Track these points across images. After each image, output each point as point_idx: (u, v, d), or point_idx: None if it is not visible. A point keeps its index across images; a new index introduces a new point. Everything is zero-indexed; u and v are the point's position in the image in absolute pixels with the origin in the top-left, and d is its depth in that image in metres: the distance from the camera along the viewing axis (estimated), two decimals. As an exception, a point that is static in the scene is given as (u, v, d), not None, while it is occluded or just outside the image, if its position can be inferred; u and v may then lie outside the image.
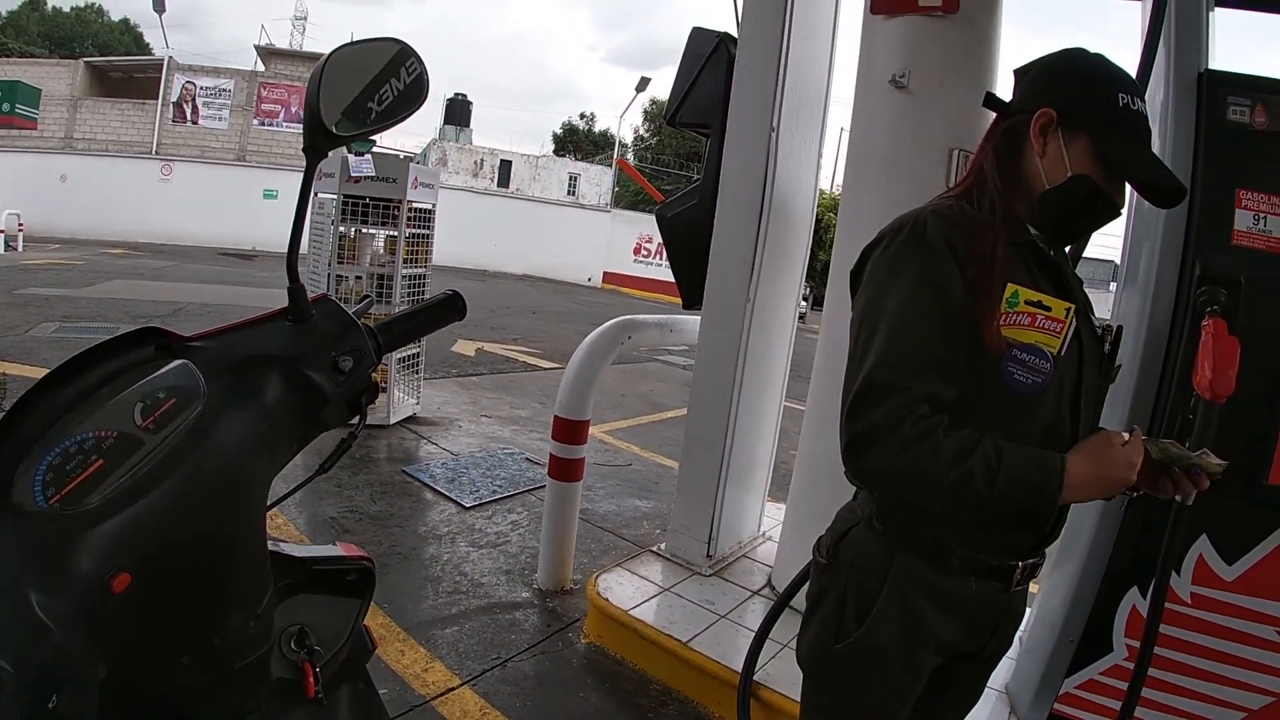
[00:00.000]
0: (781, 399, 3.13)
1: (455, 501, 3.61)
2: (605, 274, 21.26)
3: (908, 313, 0.94)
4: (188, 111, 19.68)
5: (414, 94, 0.83)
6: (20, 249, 12.98)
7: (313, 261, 4.63)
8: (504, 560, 3.04)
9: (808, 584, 1.19)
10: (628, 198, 26.78)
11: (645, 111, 34.51)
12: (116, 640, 0.61)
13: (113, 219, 17.23)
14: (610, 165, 25.87)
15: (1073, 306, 0.97)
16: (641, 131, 35.58)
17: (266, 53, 21.92)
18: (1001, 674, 2.17)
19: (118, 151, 18.74)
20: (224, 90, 19.84)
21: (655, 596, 2.57)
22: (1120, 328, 1.12)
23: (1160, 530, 1.56)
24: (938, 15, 2.14)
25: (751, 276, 2.62)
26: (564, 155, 31.68)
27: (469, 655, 2.35)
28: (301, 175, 0.78)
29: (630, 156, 30.32)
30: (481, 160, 25.36)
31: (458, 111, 28.14)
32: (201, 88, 19.74)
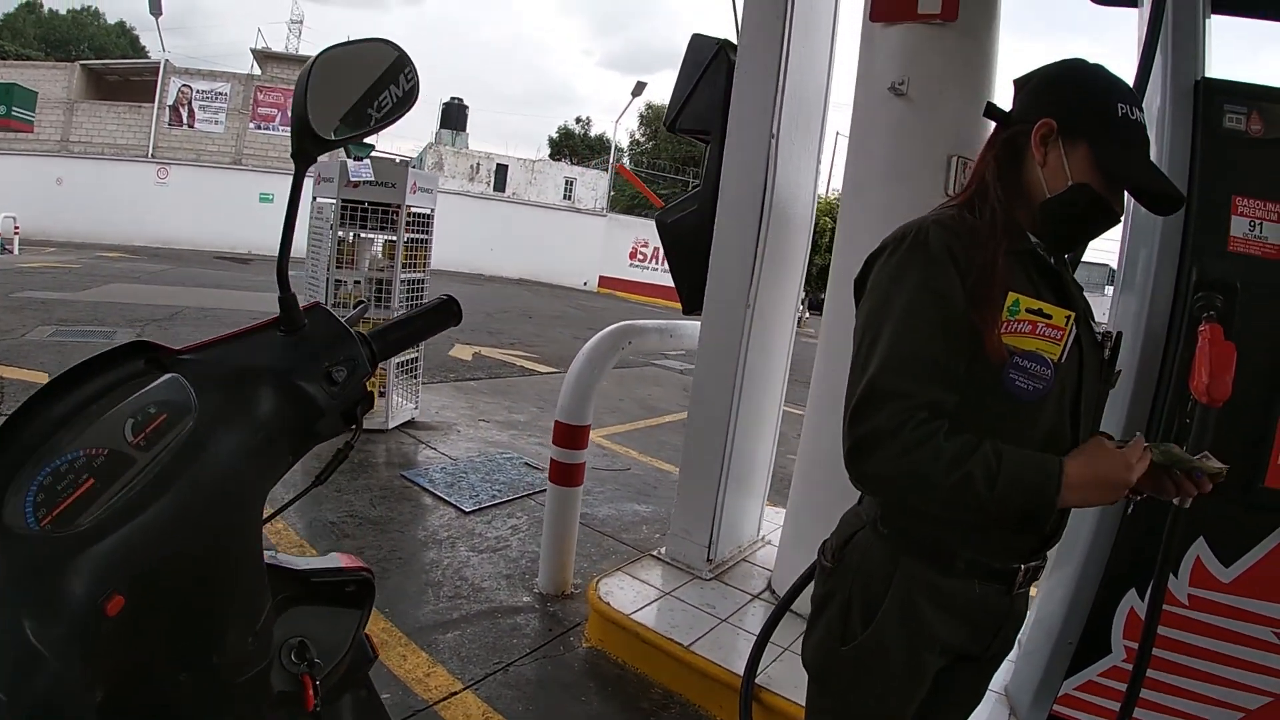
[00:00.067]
0: (781, 403, 3.15)
1: (455, 506, 3.61)
2: (601, 278, 21.27)
3: (910, 320, 0.95)
4: (184, 115, 19.66)
5: (410, 99, 0.82)
6: (16, 252, 12.94)
7: (311, 266, 4.63)
8: (504, 565, 3.04)
9: (812, 587, 1.20)
10: (623, 202, 26.82)
11: (641, 116, 34.63)
12: (112, 663, 0.60)
13: (109, 222, 17.19)
14: (606, 170, 25.91)
15: (1073, 314, 0.98)
16: (637, 136, 35.69)
17: (263, 56, 21.89)
18: (1001, 676, 2.18)
19: (114, 155, 18.70)
20: (220, 94, 19.83)
21: (656, 600, 2.58)
22: (1120, 334, 1.14)
23: (1158, 533, 1.58)
24: (937, 23, 2.16)
25: (751, 282, 2.64)
26: (560, 159, 31.75)
27: (471, 660, 2.35)
28: (292, 179, 0.77)
29: (626, 161, 30.36)
30: (477, 164, 25.37)
31: (454, 115, 28.16)
32: (198, 91, 19.72)
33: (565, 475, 2.73)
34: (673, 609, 2.54)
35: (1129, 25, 2.20)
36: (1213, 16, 1.85)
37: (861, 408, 0.94)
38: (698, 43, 2.76)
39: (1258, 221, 1.66)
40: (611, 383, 6.99)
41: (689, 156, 29.16)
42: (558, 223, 21.76)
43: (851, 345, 1.04)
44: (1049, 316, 0.97)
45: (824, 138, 2.97)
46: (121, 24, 40.28)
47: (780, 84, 2.55)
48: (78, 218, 16.94)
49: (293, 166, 0.75)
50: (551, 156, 33.26)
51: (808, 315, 12.97)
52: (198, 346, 0.73)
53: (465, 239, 18.13)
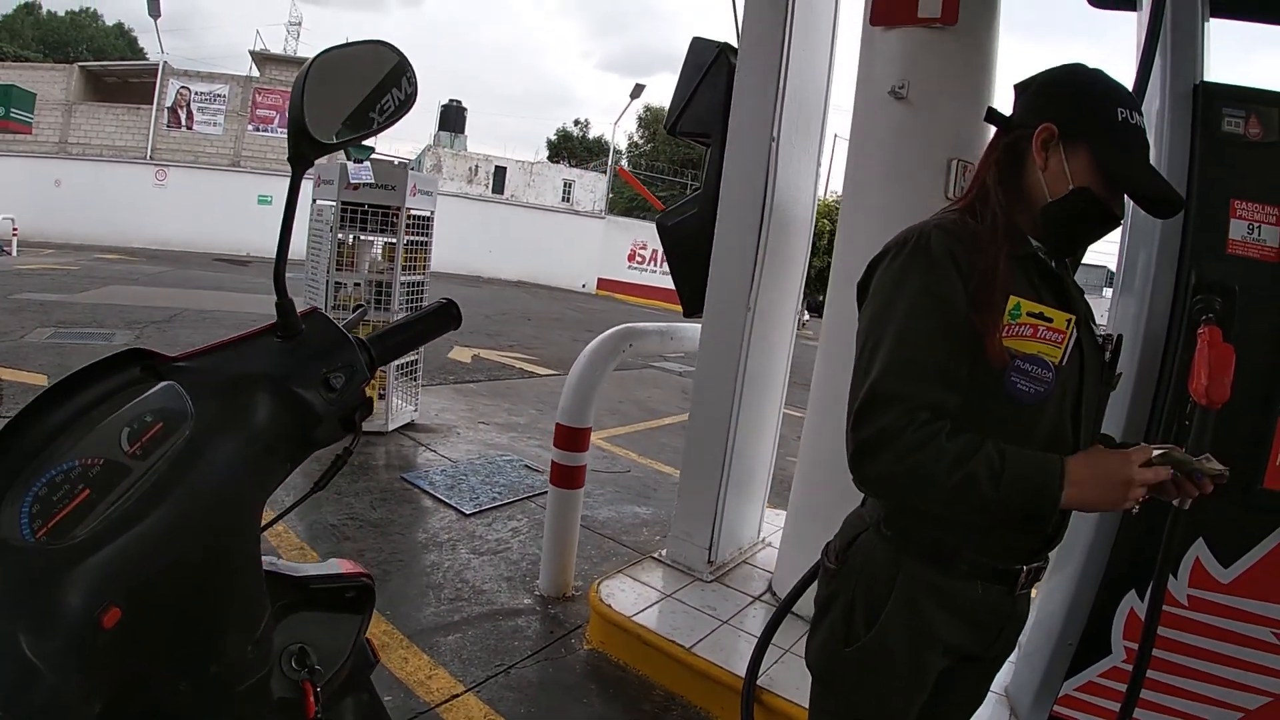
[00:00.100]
0: (781, 405, 3.15)
1: (455, 508, 3.61)
2: (600, 280, 21.28)
3: (912, 324, 0.96)
4: (182, 117, 19.66)
5: (409, 103, 0.82)
6: (14, 253, 12.94)
7: (311, 268, 4.64)
8: (505, 567, 3.04)
9: (815, 589, 1.20)
10: (622, 204, 26.84)
11: (639, 118, 34.67)
12: (110, 675, 0.60)
13: (107, 224, 17.19)
14: (605, 172, 25.93)
15: (1073, 317, 0.99)
16: (636, 138, 35.73)
17: (261, 58, 21.89)
18: (1001, 677, 2.19)
19: (112, 156, 18.70)
20: (219, 96, 19.83)
21: (657, 603, 2.58)
22: (1120, 337, 1.14)
23: (1158, 534, 1.59)
24: (936, 27, 2.17)
25: (752, 285, 2.65)
26: (558, 162, 31.77)
27: (472, 662, 2.35)
28: (289, 183, 0.75)
29: (624, 162, 30.40)
30: (476, 166, 25.39)
31: (452, 118, 28.17)
32: (196, 93, 19.73)
33: (566, 477, 2.73)
34: (674, 611, 2.54)
35: (1127, 27, 2.22)
36: (1211, 20, 1.87)
37: (865, 411, 0.95)
38: (698, 46, 2.78)
39: (1256, 224, 1.67)
40: (611, 385, 6.99)
41: (687, 158, 29.20)
42: (556, 225, 21.78)
43: (850, 346, 1.04)
44: (1050, 320, 0.98)
45: (824, 141, 2.98)
46: (120, 25, 40.30)
47: (781, 87, 2.56)
48: (76, 219, 16.93)
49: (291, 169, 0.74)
50: (550, 159, 33.28)
51: (808, 318, 12.98)
52: (194, 354, 0.72)
53: (464, 241, 18.16)
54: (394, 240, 4.54)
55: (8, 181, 16.12)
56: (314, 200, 4.62)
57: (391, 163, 6.45)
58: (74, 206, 17.05)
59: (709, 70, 2.72)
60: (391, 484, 3.86)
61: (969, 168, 2.19)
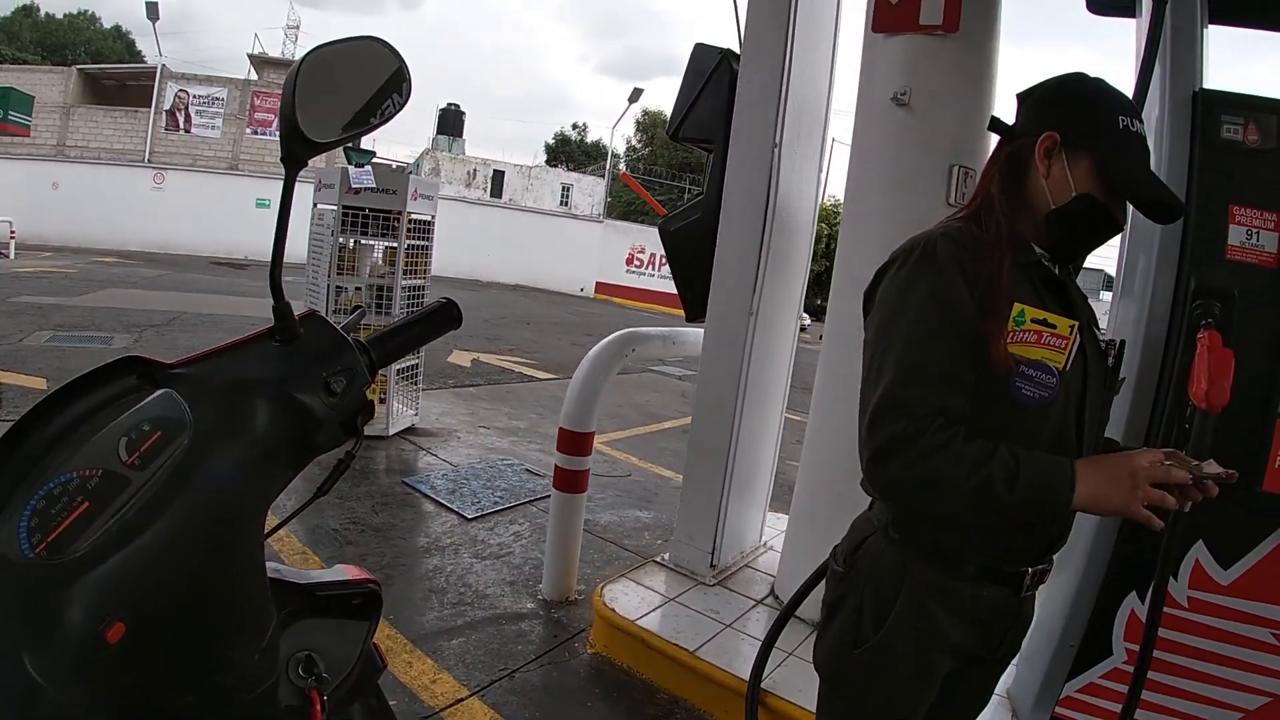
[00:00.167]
0: (783, 410, 3.17)
1: (457, 513, 3.61)
2: (598, 284, 21.33)
3: (921, 330, 0.98)
4: (180, 120, 19.68)
5: (404, 103, 0.81)
6: (12, 256, 12.92)
7: (312, 272, 4.65)
8: (507, 571, 3.05)
9: (822, 592, 1.22)
10: (620, 208, 26.90)
11: (638, 122, 34.79)
12: (115, 689, 0.59)
13: (105, 227, 17.18)
14: (603, 176, 25.98)
15: (1077, 324, 1.01)
16: (634, 142, 35.81)
17: (260, 61, 21.92)
18: (1003, 679, 2.20)
19: (110, 159, 18.71)
20: (217, 99, 19.86)
21: (661, 606, 2.59)
22: (1123, 342, 1.16)
23: (1158, 536, 1.60)
24: (938, 34, 2.20)
25: (755, 290, 2.66)
26: (557, 165, 31.81)
27: (476, 666, 2.36)
28: (282, 184, 0.74)
29: (622, 166, 30.45)
30: (474, 170, 25.41)
31: (450, 121, 28.19)
32: (194, 96, 19.75)
33: (570, 482, 2.74)
34: (677, 614, 2.55)
35: (1126, 33, 2.24)
36: (1210, 26, 1.89)
37: (879, 417, 0.97)
38: (700, 52, 2.80)
39: (1255, 230, 1.69)
40: (610, 389, 6.97)
41: (685, 162, 29.28)
42: (555, 229, 21.83)
43: (852, 351, 1.06)
44: (1054, 326, 1.00)
45: (825, 146, 3.00)
46: (118, 28, 40.32)
47: (783, 94, 2.58)
48: (74, 222, 16.93)
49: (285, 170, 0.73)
50: (548, 162, 33.32)
51: (809, 323, 13.05)
52: (191, 360, 0.71)
53: (462, 245, 18.17)
54: (395, 244, 4.55)
55: (6, 184, 16.13)
56: (315, 204, 4.63)
57: (390, 166, 6.46)
58: (72, 209, 17.04)
59: (711, 76, 2.74)
60: (393, 488, 3.86)
61: (970, 174, 2.21)
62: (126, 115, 19.42)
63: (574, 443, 2.72)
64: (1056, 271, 1.09)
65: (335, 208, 4.38)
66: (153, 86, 19.38)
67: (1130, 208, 1.09)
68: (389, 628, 2.49)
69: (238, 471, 0.67)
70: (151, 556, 0.60)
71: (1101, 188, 1.02)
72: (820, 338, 2.82)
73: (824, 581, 1.24)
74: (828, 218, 12.70)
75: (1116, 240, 2.11)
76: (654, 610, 2.56)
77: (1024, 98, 1.13)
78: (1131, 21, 2.18)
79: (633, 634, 2.43)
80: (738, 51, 2.75)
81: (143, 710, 0.63)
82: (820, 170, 3.01)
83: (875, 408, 0.97)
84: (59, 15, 37.94)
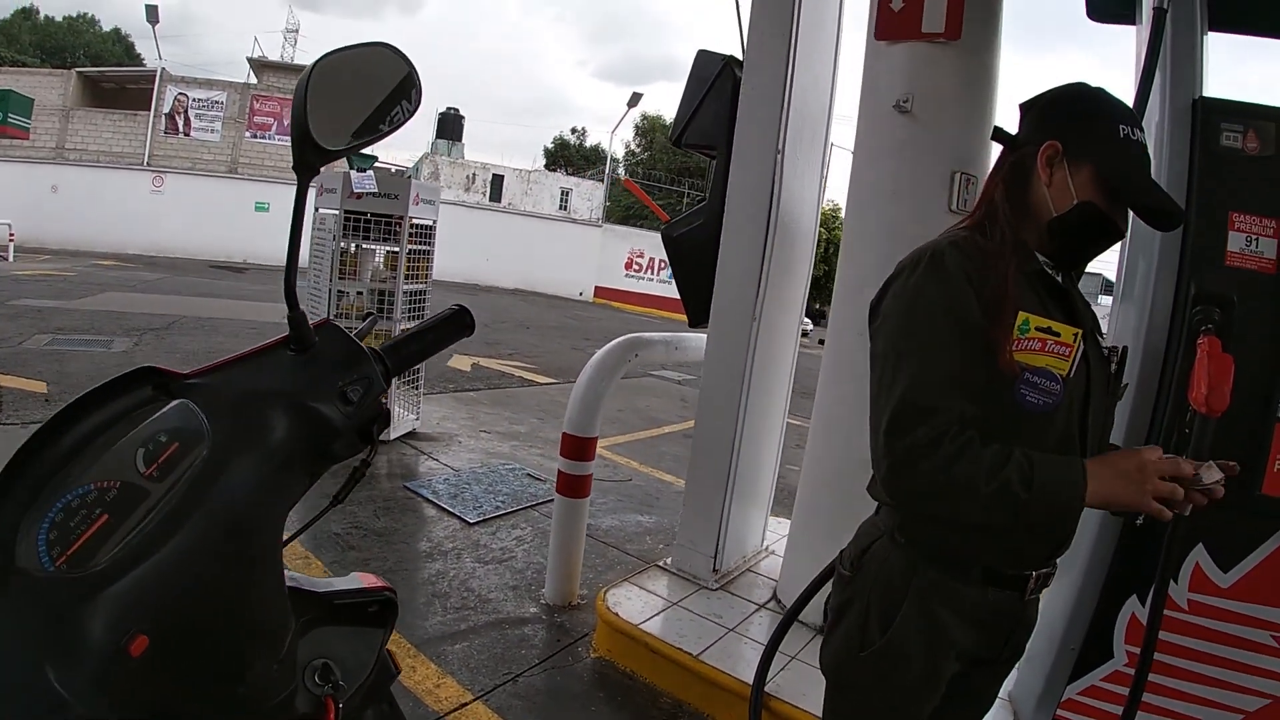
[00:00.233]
0: (785, 414, 3.18)
1: (459, 517, 3.62)
2: (597, 288, 21.37)
3: (932, 339, 1.00)
4: (180, 123, 19.70)
5: (415, 109, 0.80)
6: (11, 259, 12.92)
7: (313, 277, 4.65)
8: (510, 576, 3.05)
9: (829, 596, 1.23)
10: (619, 212, 26.93)
11: (636, 126, 34.86)
12: (138, 702, 0.59)
13: (104, 230, 17.19)
14: (602, 180, 26.03)
15: (1080, 331, 1.03)
16: (633, 146, 35.87)
17: (259, 65, 21.95)
18: (1005, 682, 2.21)
19: (109, 162, 18.72)
20: (216, 102, 19.88)
21: (664, 611, 2.60)
22: (1125, 349, 1.18)
23: (1158, 540, 1.62)
24: (940, 42, 2.22)
25: (758, 295, 2.68)
26: (555, 170, 31.84)
27: (480, 671, 2.36)
28: (295, 192, 0.72)
29: (621, 170, 30.51)
30: (473, 175, 25.43)
31: (450, 125, 28.21)
32: (194, 99, 19.77)
33: (573, 487, 2.75)
34: (680, 619, 2.56)
35: (1126, 40, 2.26)
36: (1209, 34, 1.91)
37: (896, 425, 0.98)
38: (703, 59, 2.81)
39: (1254, 237, 1.71)
40: (611, 393, 7.02)
41: (684, 167, 29.34)
42: (554, 233, 21.87)
43: (854, 356, 1.07)
44: (1058, 334, 1.02)
45: (827, 152, 3.02)
46: (117, 31, 40.35)
47: (786, 101, 2.60)
48: (73, 225, 16.94)
49: (290, 175, 0.72)
50: (547, 167, 33.35)
51: (812, 328, 13.05)
52: (206, 370, 0.70)
53: (461, 249, 18.18)
54: (396, 249, 4.56)
55: (5, 186, 16.15)
56: (317, 209, 4.64)
57: (389, 170, 6.47)
58: (71, 212, 17.07)
59: (714, 83, 2.76)
60: (395, 493, 3.86)
61: (972, 180, 2.23)
62: (126, 118, 19.43)
63: (577, 448, 2.73)
64: (1059, 279, 1.11)
65: (337, 212, 4.39)
66: (152, 89, 19.41)
67: (1131, 214, 1.11)
68: (392, 632, 2.49)
69: (256, 481, 0.67)
70: (173, 568, 0.60)
71: (1102, 195, 1.04)
72: (820, 342, 2.83)
73: (830, 585, 1.25)
74: (825, 222, 12.73)
75: (1116, 246, 2.15)
76: (657, 614, 2.56)
77: (1027, 108, 1.15)
78: (1132, 28, 2.20)
79: (636, 638, 2.44)
80: (740, 58, 2.77)
81: None
82: (821, 175, 3.03)
83: (892, 417, 0.98)
84: (58, 18, 38.06)
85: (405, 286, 4.57)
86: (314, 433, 0.73)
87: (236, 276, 14.82)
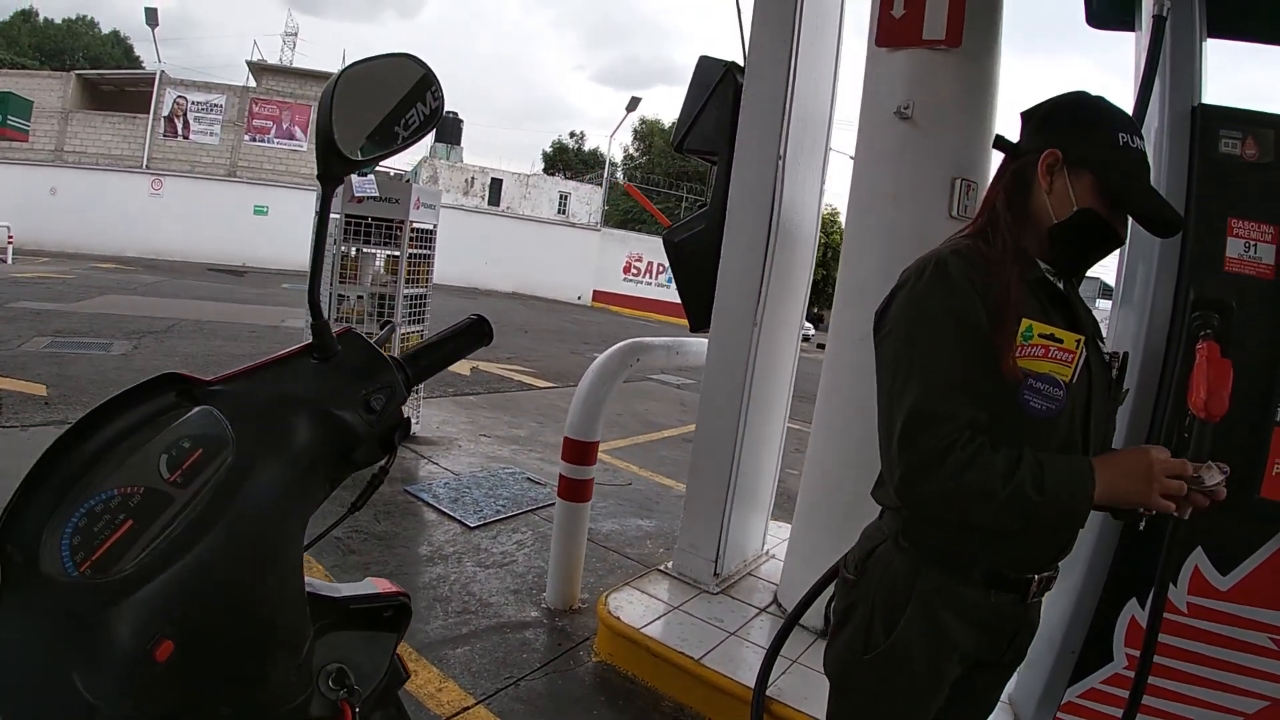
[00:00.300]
0: (785, 419, 3.19)
1: (459, 521, 3.62)
2: (595, 292, 21.39)
3: (939, 346, 1.01)
4: (179, 126, 19.70)
5: (436, 116, 0.81)
6: (10, 261, 12.90)
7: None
8: (511, 580, 3.06)
9: (834, 599, 1.24)
10: (617, 217, 26.96)
11: (635, 130, 34.92)
12: (162, 706, 0.60)
13: (102, 233, 17.18)
14: (600, 184, 26.06)
15: (1082, 338, 1.04)
16: (631, 150, 35.93)
17: (258, 68, 21.95)
18: (1006, 685, 2.22)
19: (108, 165, 18.71)
20: (215, 105, 19.89)
21: (665, 615, 2.60)
22: (1126, 354, 1.19)
23: (1158, 543, 1.63)
24: (941, 48, 2.23)
25: (759, 300, 2.69)
26: (554, 174, 31.88)
27: (481, 674, 2.36)
28: (319, 202, 0.75)
29: (620, 175, 30.55)
30: (472, 178, 25.44)
31: (449, 129, 28.19)
32: (193, 102, 19.78)
33: (574, 491, 2.76)
34: (681, 623, 2.56)
35: (1126, 46, 2.28)
36: (1208, 40, 1.93)
37: (907, 434, 0.99)
38: (705, 65, 2.83)
39: (1252, 243, 1.73)
40: (611, 397, 7.03)
41: (683, 171, 29.39)
42: (552, 237, 21.90)
43: (855, 360, 1.08)
44: (1060, 341, 1.03)
45: (828, 158, 3.04)
46: (116, 33, 40.38)
47: (787, 107, 2.61)
48: (72, 228, 16.93)
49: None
50: (546, 171, 33.40)
51: (814, 332, 13.07)
52: (229, 376, 0.71)
53: (460, 253, 18.20)
54: (397, 253, 4.57)
55: (3, 189, 16.14)
56: (316, 213, 4.64)
57: (388, 175, 6.47)
58: (70, 215, 17.06)
59: (716, 89, 2.77)
60: (395, 497, 3.86)
61: (972, 186, 2.24)
62: (125, 121, 19.44)
63: (579, 452, 2.74)
64: (1061, 285, 1.12)
65: (338, 216, 4.41)
66: (151, 92, 19.42)
67: (1130, 221, 1.12)
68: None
69: (280, 488, 0.68)
70: (198, 574, 0.60)
71: (1102, 202, 1.06)
72: (820, 346, 2.84)
73: (834, 589, 1.26)
74: (823, 227, 12.77)
75: (1116, 251, 2.16)
76: (658, 618, 2.57)
77: (1028, 117, 1.16)
78: (1131, 35, 2.22)
79: (637, 642, 2.44)
80: (741, 64, 2.79)
81: None
82: (822, 180, 3.04)
83: (904, 426, 0.99)
84: (58, 20, 38.07)
85: (406, 291, 4.58)
86: (337, 440, 0.74)
87: (235, 279, 14.79)
